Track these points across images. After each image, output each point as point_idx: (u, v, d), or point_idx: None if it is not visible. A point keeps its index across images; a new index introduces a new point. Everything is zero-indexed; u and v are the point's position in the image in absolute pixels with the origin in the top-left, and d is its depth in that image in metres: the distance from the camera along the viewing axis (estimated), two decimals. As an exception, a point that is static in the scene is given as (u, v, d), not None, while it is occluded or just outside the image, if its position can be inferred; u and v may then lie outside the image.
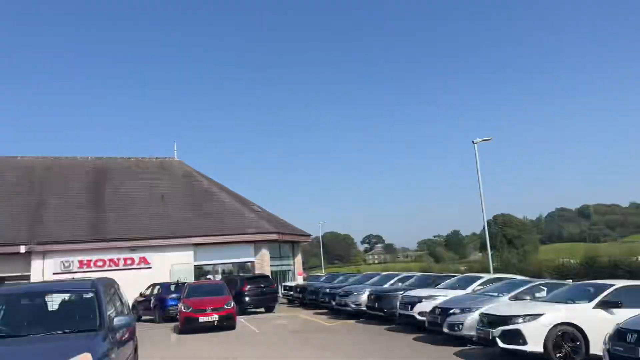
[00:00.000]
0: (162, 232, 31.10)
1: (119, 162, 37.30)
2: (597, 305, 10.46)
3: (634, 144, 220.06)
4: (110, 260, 29.96)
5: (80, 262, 29.30)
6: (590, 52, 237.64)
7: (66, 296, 7.63)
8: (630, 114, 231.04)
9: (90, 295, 7.14)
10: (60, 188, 33.26)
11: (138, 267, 30.21)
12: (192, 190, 35.85)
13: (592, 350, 10.08)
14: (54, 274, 28.30)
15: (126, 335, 7.87)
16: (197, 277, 31.35)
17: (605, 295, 10.60)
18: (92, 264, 29.48)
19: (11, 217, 30.11)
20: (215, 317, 18.22)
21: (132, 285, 25.27)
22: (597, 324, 10.02)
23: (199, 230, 31.70)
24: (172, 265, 30.65)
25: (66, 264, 28.93)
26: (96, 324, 6.60)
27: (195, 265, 31.50)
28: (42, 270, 28.37)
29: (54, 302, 7.50)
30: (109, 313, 7.13)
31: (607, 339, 8.67)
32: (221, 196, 35.71)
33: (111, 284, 8.70)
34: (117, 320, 6.99)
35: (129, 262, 30.22)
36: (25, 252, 28.12)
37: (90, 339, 6.00)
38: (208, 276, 32.54)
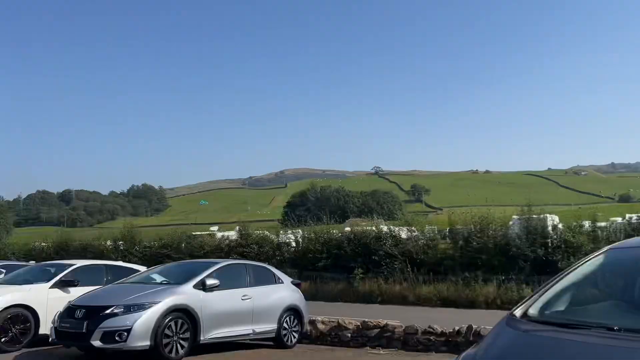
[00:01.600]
0: None
1: None
2: (55, 285, 11.50)
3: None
4: None
5: None
6: None
7: None
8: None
9: None
10: None
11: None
12: None
13: (42, 330, 10.93)
14: None
15: None
16: None
17: (64, 275, 11.77)
18: None
19: None
20: None
21: None
22: (53, 303, 10.91)
23: None
24: None
25: None
26: None
27: None
28: None
29: None
30: None
31: (56, 317, 9.83)
32: None
33: None
34: None
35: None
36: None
37: None
38: None
